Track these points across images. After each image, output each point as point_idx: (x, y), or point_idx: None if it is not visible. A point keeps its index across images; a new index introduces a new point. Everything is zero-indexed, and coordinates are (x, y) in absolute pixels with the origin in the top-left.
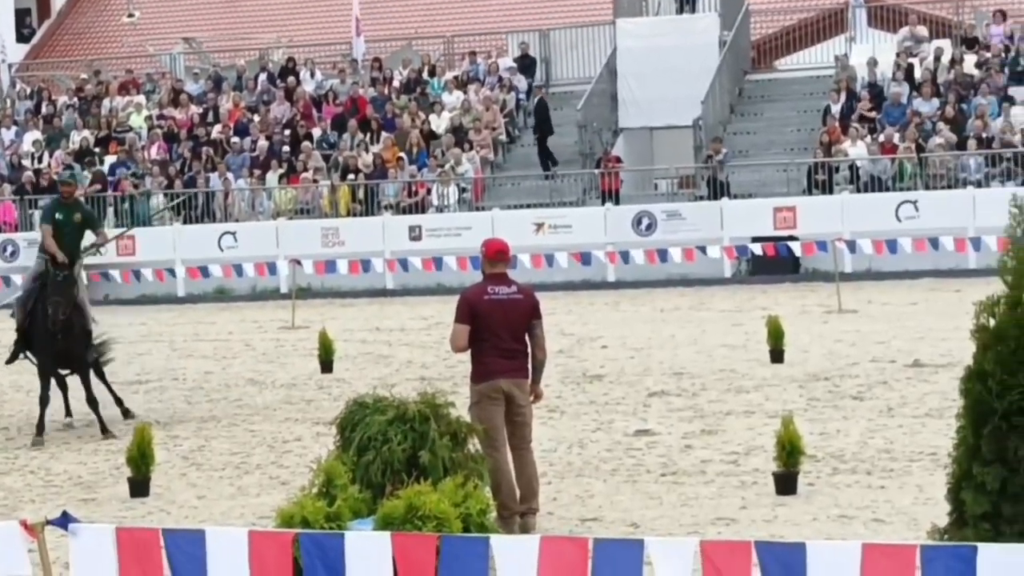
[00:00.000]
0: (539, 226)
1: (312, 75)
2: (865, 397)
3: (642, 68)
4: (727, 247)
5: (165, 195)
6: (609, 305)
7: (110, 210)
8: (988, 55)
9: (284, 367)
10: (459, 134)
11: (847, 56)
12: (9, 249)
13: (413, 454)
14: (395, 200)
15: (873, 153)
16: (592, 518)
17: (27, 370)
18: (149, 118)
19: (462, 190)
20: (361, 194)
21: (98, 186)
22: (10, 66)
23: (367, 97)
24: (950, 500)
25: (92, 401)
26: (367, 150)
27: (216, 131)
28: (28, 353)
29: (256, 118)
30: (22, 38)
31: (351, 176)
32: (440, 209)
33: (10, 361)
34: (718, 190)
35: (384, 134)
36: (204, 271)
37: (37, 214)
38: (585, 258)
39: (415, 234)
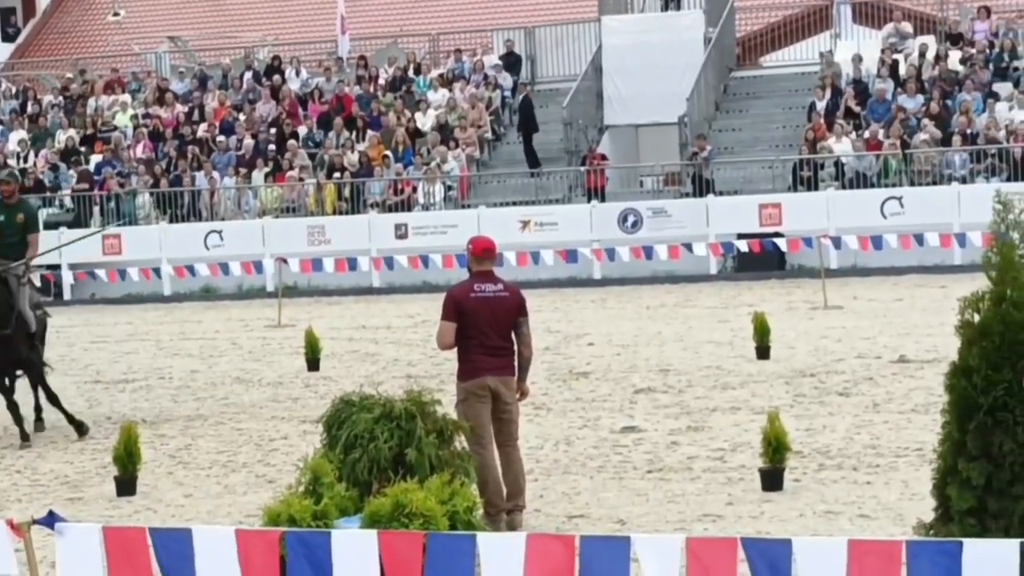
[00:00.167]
0: (525, 224)
1: (297, 73)
2: (851, 393)
3: (627, 65)
4: (713, 244)
5: (151, 194)
6: (595, 302)
7: (96, 209)
8: (973, 51)
9: (270, 365)
10: (445, 132)
11: (832, 53)
12: None
13: (400, 452)
14: (381, 198)
15: (858, 149)
16: (579, 515)
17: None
18: (135, 117)
19: (448, 188)
20: (347, 192)
21: (84, 185)
22: None
23: (353, 95)
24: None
25: (52, 398)
26: (353, 148)
27: (202, 130)
28: None
29: (242, 117)
30: (7, 37)
31: (337, 174)
32: (426, 207)
33: None
34: (703, 187)
35: (370, 132)
36: (190, 270)
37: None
38: (571, 255)
39: (401, 232)
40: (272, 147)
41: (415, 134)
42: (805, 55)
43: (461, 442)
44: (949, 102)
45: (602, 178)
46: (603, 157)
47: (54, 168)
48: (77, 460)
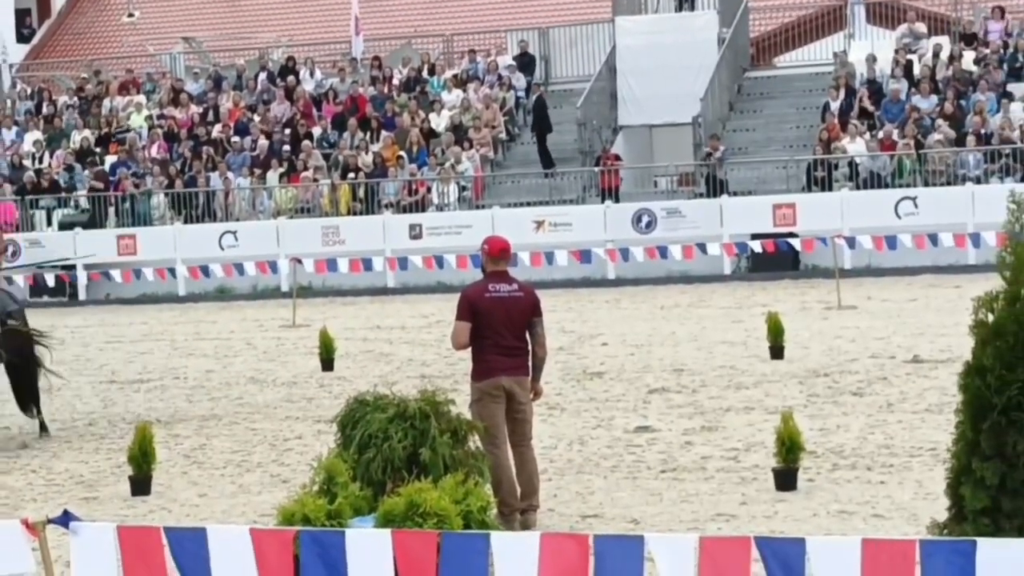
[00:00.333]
0: (539, 224)
1: (312, 74)
2: (865, 393)
3: (641, 66)
4: (727, 244)
5: (166, 195)
6: (609, 303)
7: (111, 210)
8: (987, 51)
9: (285, 365)
10: (459, 132)
11: (846, 53)
12: (11, 249)
13: (414, 452)
14: (395, 199)
15: (872, 150)
16: (592, 515)
17: None
18: (149, 118)
19: (462, 188)
20: (361, 193)
21: (100, 185)
22: (11, 66)
23: (367, 96)
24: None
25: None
26: (367, 149)
27: (216, 130)
28: None
29: (256, 117)
30: (22, 38)
31: (351, 175)
32: (440, 208)
33: None
34: (717, 187)
35: (384, 133)
36: (205, 270)
37: (38, 214)
38: (585, 256)
39: (415, 232)
40: (287, 148)
41: (429, 135)
42: (819, 55)
43: (475, 442)
44: (963, 102)
45: (616, 178)
46: (617, 157)
47: (69, 169)
48: (92, 460)
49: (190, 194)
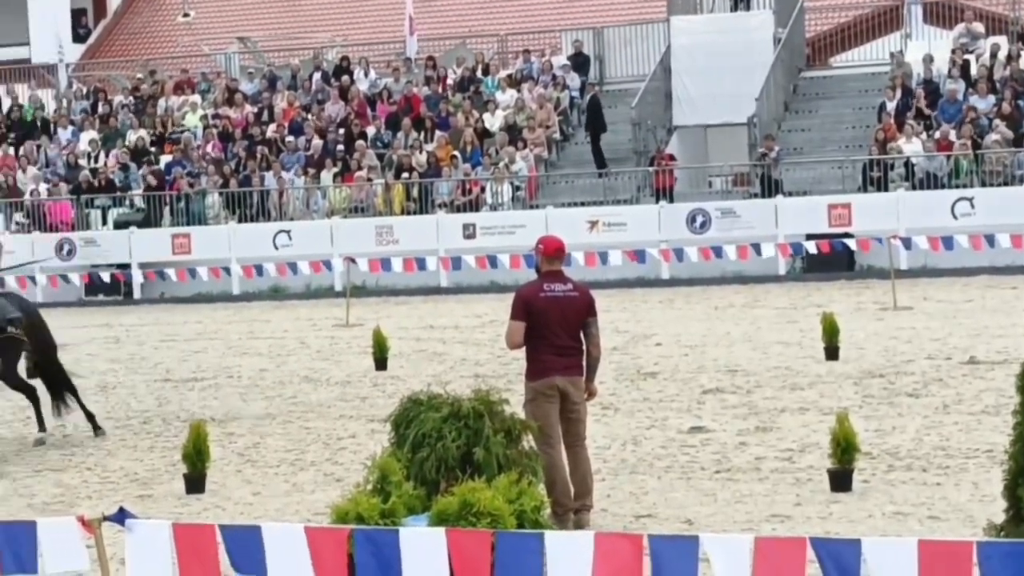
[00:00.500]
0: (593, 224)
1: (366, 74)
2: (920, 394)
3: (696, 65)
4: (781, 244)
5: (220, 194)
6: (663, 303)
7: (166, 209)
8: None
9: (339, 364)
10: (513, 132)
11: (902, 53)
12: (66, 248)
13: (467, 451)
14: (449, 198)
15: (929, 150)
16: (646, 515)
17: (83, 368)
18: (204, 117)
19: (516, 188)
20: (415, 192)
21: (153, 181)
22: (67, 66)
23: (421, 95)
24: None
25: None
26: (421, 149)
27: (271, 130)
28: None
29: (310, 117)
30: (78, 38)
31: (405, 174)
32: (494, 207)
33: None
34: (772, 188)
35: (438, 132)
36: (259, 269)
37: (94, 214)
38: (639, 256)
39: (469, 232)
40: (340, 147)
41: (483, 134)
42: (875, 55)
43: (529, 442)
44: (1021, 102)
45: (670, 178)
46: (671, 157)
47: (124, 168)
48: (147, 458)
49: (244, 193)
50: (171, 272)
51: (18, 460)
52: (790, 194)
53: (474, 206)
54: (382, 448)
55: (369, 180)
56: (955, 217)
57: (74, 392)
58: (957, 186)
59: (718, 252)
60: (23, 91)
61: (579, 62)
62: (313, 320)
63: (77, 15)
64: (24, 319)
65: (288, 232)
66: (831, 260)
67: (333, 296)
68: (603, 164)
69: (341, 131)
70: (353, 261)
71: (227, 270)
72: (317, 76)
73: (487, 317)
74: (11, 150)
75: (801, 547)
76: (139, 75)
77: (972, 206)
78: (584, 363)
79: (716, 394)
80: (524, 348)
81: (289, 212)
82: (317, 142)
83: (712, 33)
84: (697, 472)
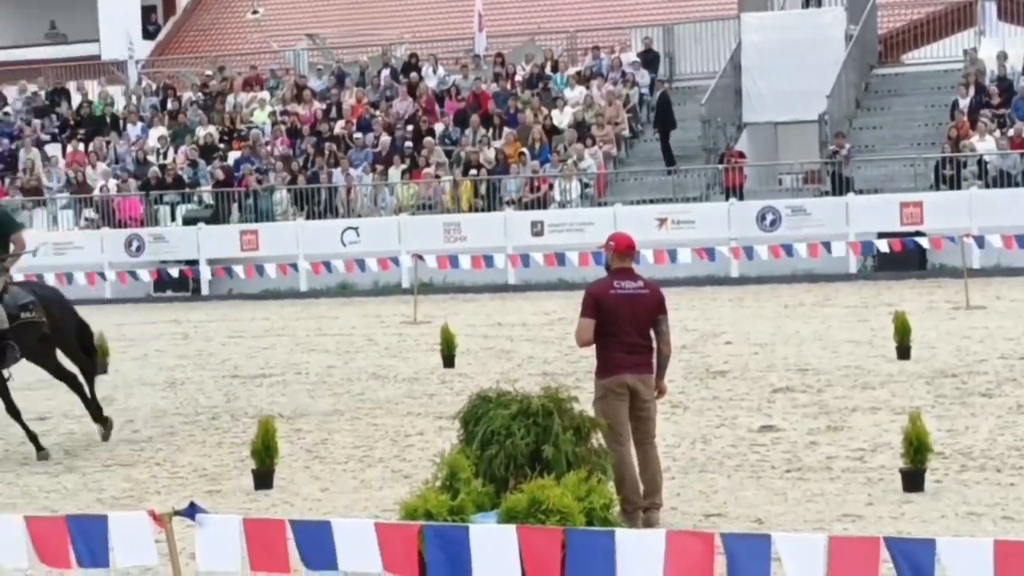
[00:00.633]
0: (662, 222)
1: (434, 70)
2: (994, 394)
3: (767, 62)
4: (852, 243)
5: (288, 191)
6: (733, 301)
7: (234, 205)
8: None
9: (406, 361)
10: (581, 129)
11: (976, 50)
12: (135, 244)
13: (536, 448)
14: (517, 195)
15: (1002, 148)
16: (716, 513)
17: (152, 363)
18: (273, 114)
19: (584, 185)
20: (483, 189)
21: (222, 176)
22: (137, 62)
23: (489, 92)
24: None
25: (11, 409)
26: (489, 145)
27: (339, 127)
28: None
29: (378, 114)
30: (148, 35)
31: (473, 171)
32: (562, 204)
33: None
34: (843, 185)
35: (506, 129)
36: (327, 266)
37: (163, 210)
38: (709, 254)
39: (537, 229)
40: (409, 144)
41: (552, 131)
42: (948, 52)
43: (598, 439)
44: None
45: (740, 176)
46: (741, 155)
47: (193, 164)
48: (215, 453)
49: (312, 190)
50: (239, 269)
51: (87, 455)
52: (861, 192)
53: (542, 203)
54: (450, 445)
55: (437, 177)
56: None
57: (74, 382)
58: None
59: (788, 250)
60: (93, 88)
61: (649, 59)
62: (381, 317)
63: (147, 12)
64: (39, 302)
65: (356, 229)
66: (903, 259)
67: (401, 293)
68: (672, 161)
69: (409, 128)
70: (421, 258)
71: (295, 267)
72: (386, 73)
73: (555, 315)
74: (81, 146)
75: (875, 547)
76: (208, 72)
77: None
78: (654, 361)
79: (786, 393)
80: (594, 346)
81: (357, 209)
82: (385, 139)
83: (783, 30)
84: (767, 471)
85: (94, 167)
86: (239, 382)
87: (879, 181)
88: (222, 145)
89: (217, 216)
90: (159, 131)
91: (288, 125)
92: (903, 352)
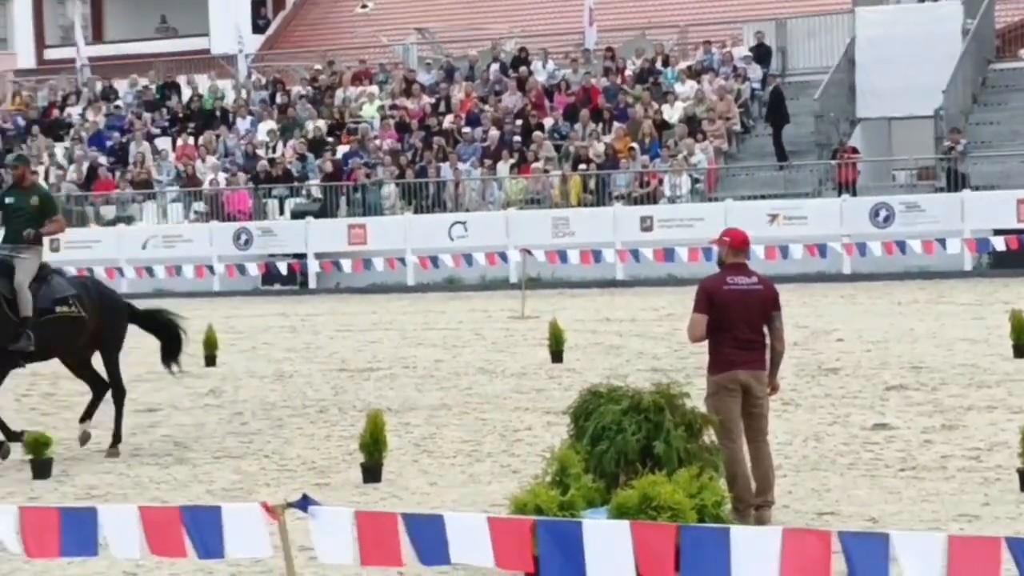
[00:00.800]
0: (773, 217)
1: (544, 65)
2: None
3: (881, 57)
4: (968, 240)
5: (396, 185)
6: (845, 298)
7: (342, 199)
8: None
9: (514, 356)
10: (692, 124)
11: None
12: (243, 238)
13: (647, 444)
14: (626, 190)
15: None
16: (829, 512)
17: (260, 356)
18: (381, 108)
19: (695, 181)
20: (592, 184)
21: (330, 169)
22: (246, 56)
23: (599, 87)
24: None
25: None
26: (599, 140)
27: (448, 121)
28: None
29: (488, 108)
30: (257, 29)
31: (582, 166)
32: (672, 200)
33: None
34: (958, 182)
35: (616, 124)
36: (434, 260)
37: (271, 203)
38: (821, 250)
39: (646, 225)
40: (517, 138)
41: (662, 126)
42: None
43: (710, 436)
44: None
45: (853, 172)
46: (855, 150)
47: (302, 158)
48: (323, 446)
49: (420, 184)
50: (347, 263)
51: (198, 446)
52: (977, 188)
53: (652, 198)
54: (560, 440)
55: (546, 171)
56: None
57: (99, 388)
58: None
59: (902, 247)
60: (203, 81)
61: (761, 53)
62: (488, 312)
63: (256, 6)
64: (84, 299)
65: (464, 223)
66: (1020, 256)
67: (508, 288)
68: (784, 157)
69: (518, 122)
70: (529, 253)
71: (402, 261)
72: (495, 67)
73: (664, 311)
74: (191, 140)
75: (996, 547)
76: (317, 66)
77: None
78: (767, 357)
79: (900, 391)
80: (706, 341)
81: (465, 203)
82: (494, 133)
83: (899, 24)
84: (881, 469)
85: (203, 160)
86: (347, 375)
87: (995, 177)
88: (331, 139)
89: (325, 210)
90: (268, 125)
91: (397, 119)
92: (1020, 351)
